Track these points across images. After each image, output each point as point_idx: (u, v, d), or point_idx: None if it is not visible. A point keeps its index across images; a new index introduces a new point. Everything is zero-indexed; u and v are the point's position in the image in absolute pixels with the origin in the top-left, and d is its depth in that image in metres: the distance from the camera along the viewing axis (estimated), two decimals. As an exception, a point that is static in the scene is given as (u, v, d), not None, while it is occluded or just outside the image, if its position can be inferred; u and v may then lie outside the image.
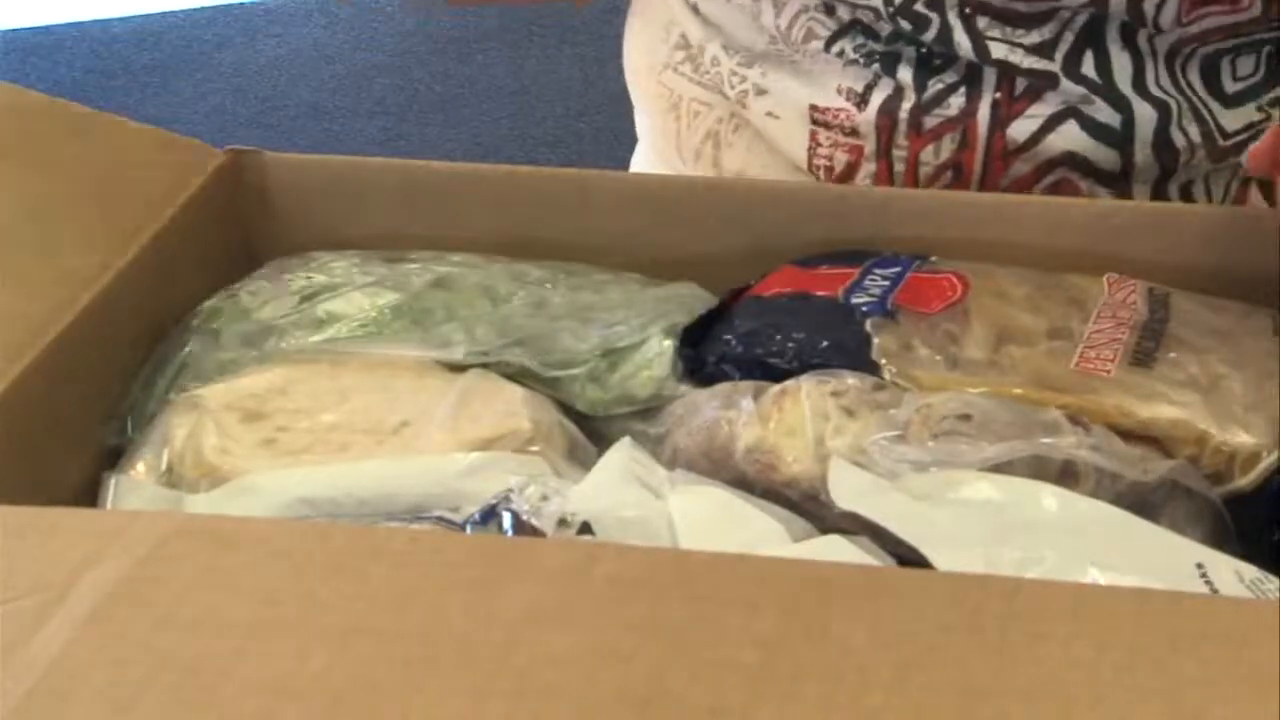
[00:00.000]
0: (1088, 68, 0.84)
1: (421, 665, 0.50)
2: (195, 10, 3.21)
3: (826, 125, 0.87)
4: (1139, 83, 0.84)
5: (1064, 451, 0.65)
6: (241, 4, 3.26)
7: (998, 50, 0.84)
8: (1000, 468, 0.65)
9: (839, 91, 0.87)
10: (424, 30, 3.24)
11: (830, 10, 0.86)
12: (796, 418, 0.67)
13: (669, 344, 0.73)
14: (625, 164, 1.03)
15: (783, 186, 0.85)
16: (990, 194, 0.85)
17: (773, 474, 0.67)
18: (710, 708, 0.48)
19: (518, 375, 0.73)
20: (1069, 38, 0.84)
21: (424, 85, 3.03)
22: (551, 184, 0.80)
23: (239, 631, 0.52)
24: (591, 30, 3.06)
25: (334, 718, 0.49)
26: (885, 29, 0.85)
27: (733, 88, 0.90)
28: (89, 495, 0.70)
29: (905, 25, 0.83)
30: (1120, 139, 0.84)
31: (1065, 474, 0.65)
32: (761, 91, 0.89)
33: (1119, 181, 0.85)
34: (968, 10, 0.82)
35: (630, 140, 1.03)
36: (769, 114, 0.89)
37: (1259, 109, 0.85)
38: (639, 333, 0.73)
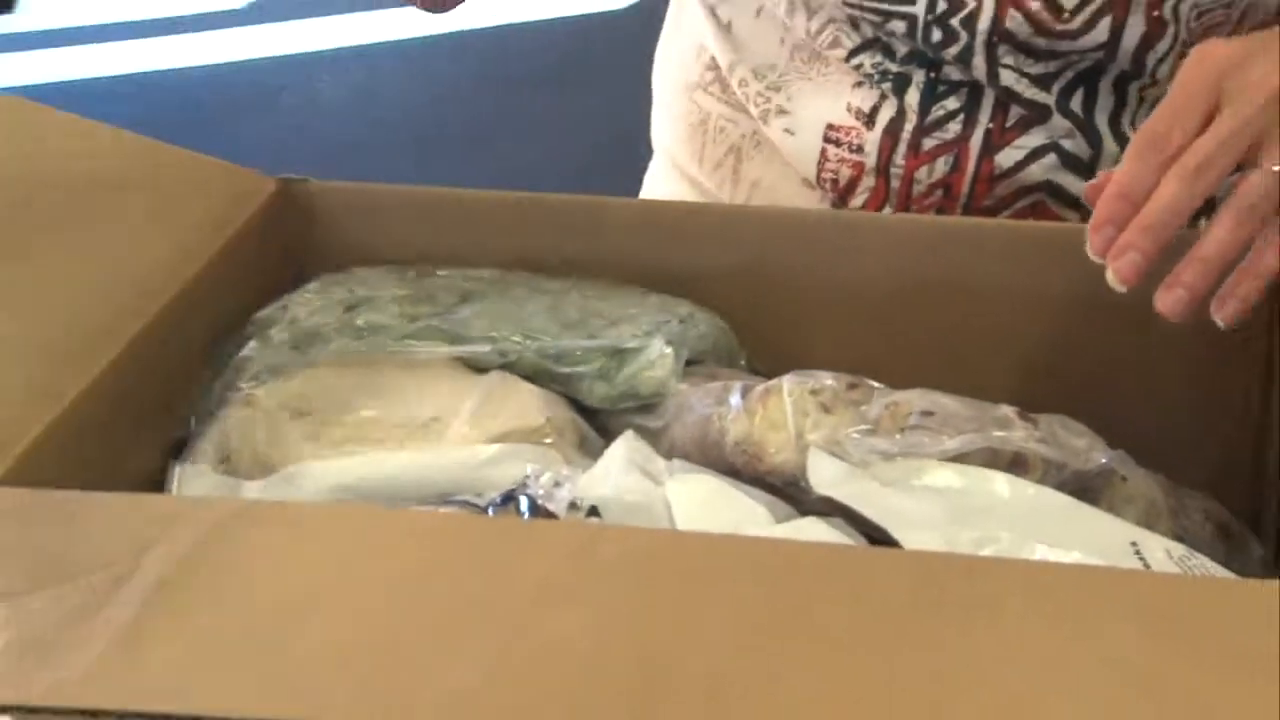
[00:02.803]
0: (1075, 103, 0.84)
1: (448, 633, 0.50)
2: (261, 59, 3.22)
3: (837, 143, 0.87)
4: (1114, 122, 0.84)
5: (1015, 444, 0.64)
6: (299, 54, 3.28)
7: (1006, 77, 0.83)
8: (959, 458, 0.64)
9: (849, 110, 0.86)
10: (453, 76, 3.25)
11: (855, 25, 0.85)
12: (779, 413, 0.66)
13: (669, 350, 0.72)
14: (632, 192, 1.02)
15: (777, 212, 0.84)
16: (990, 220, 0.83)
17: (758, 464, 0.66)
18: (703, 672, 0.47)
19: (535, 374, 0.72)
20: (1069, 75, 0.83)
21: (452, 124, 3.04)
22: (567, 207, 0.79)
23: (286, 603, 0.51)
24: (596, 79, 3.07)
25: (370, 680, 0.48)
26: (902, 50, 0.84)
27: (757, 107, 0.89)
28: (157, 482, 0.69)
29: (936, 36, 0.82)
30: (1088, 170, 0.84)
31: (1016, 464, 0.64)
32: (782, 112, 0.88)
33: (1084, 207, 0.84)
34: (995, 37, 0.82)
35: (635, 171, 1.02)
36: (786, 130, 0.89)
37: None
38: (642, 337, 0.72)
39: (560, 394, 0.72)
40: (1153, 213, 0.64)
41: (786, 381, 0.68)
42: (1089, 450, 0.66)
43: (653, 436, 0.70)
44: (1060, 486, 0.64)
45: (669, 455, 0.68)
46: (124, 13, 3.26)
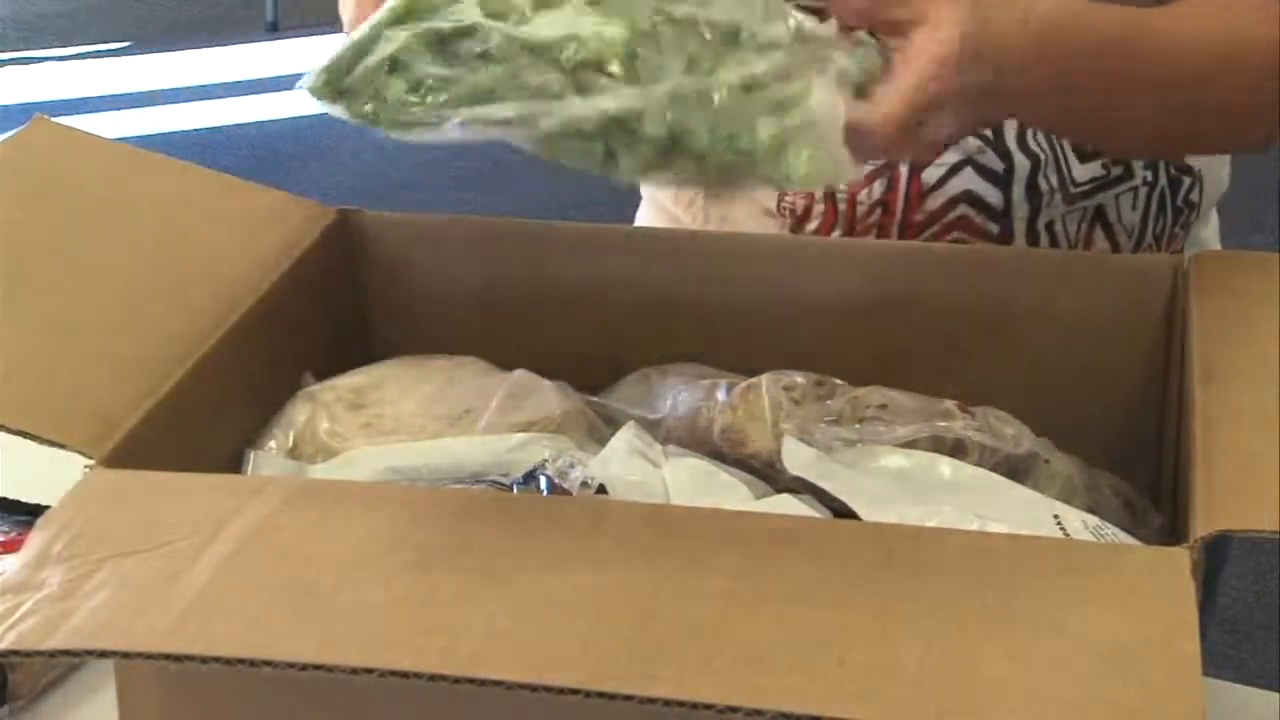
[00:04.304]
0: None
1: (478, 590, 0.49)
2: (325, 113, 3.25)
3: None
4: (1021, 139, 0.82)
5: (956, 432, 0.64)
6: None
7: None
8: (909, 444, 0.64)
9: None
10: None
11: None
12: (758, 407, 0.66)
13: None
14: (631, 220, 1.01)
15: (744, 238, 0.84)
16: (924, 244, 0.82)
17: (740, 449, 0.66)
18: (692, 622, 0.47)
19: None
20: None
21: (484, 166, 3.05)
22: (573, 234, 0.79)
23: (343, 565, 0.51)
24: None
25: (410, 630, 0.48)
26: None
27: None
28: (235, 465, 0.69)
29: None
30: (1003, 181, 0.83)
31: (957, 449, 0.64)
32: None
33: (1002, 217, 0.83)
34: None
35: (631, 204, 1.02)
36: None
37: (1103, 166, 0.83)
38: None
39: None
40: None
41: (764, 380, 0.67)
42: (1018, 437, 0.65)
43: (651, 427, 0.69)
44: (994, 468, 0.64)
45: (665, 442, 0.68)
46: (216, 77, 3.29)
